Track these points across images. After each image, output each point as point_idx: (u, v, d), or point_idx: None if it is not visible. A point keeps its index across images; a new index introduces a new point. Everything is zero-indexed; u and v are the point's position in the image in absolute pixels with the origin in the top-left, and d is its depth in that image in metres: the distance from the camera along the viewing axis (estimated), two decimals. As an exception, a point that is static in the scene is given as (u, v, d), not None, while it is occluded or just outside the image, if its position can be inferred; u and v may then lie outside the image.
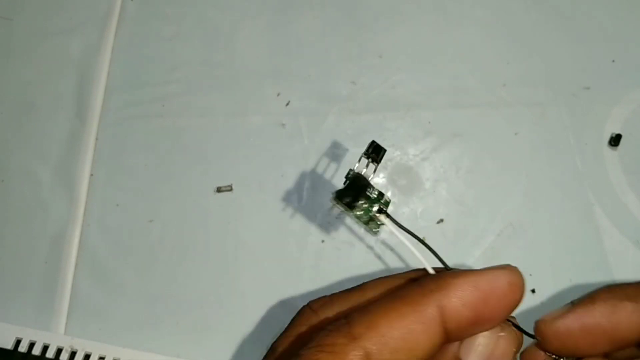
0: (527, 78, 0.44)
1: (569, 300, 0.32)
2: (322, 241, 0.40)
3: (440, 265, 0.21)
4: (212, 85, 0.45)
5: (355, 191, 0.24)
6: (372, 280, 0.21)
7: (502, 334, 0.19)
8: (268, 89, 0.44)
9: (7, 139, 0.44)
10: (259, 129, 0.43)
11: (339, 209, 0.24)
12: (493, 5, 0.47)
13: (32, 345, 0.36)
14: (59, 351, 0.36)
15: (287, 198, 0.41)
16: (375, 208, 0.23)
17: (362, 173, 0.25)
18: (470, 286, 0.17)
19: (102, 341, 0.37)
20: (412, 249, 0.21)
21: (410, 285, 0.18)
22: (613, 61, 0.44)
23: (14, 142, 0.44)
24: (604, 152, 0.41)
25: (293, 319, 0.20)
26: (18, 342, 0.37)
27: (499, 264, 0.19)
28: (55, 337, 0.37)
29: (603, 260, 0.38)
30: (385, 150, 0.26)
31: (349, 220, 0.40)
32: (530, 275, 0.38)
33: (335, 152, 0.42)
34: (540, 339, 0.20)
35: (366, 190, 0.24)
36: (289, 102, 0.44)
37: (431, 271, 0.20)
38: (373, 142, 0.26)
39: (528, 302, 0.37)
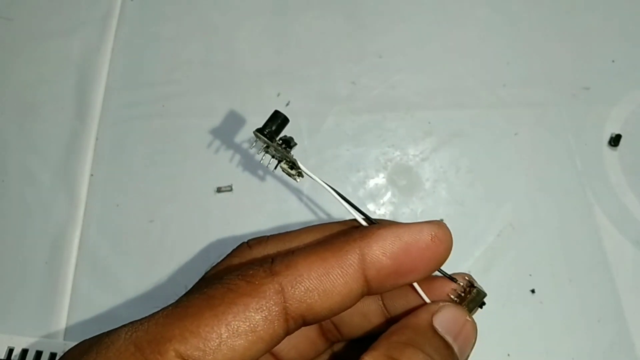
0: (527, 78, 0.44)
1: (569, 302, 0.32)
2: (322, 241, 0.40)
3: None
4: (212, 85, 0.45)
5: (276, 125, 0.24)
6: (311, 226, 0.22)
7: (469, 319, 0.20)
8: (268, 89, 0.44)
9: (7, 139, 0.44)
10: (259, 129, 0.43)
11: (260, 146, 0.24)
12: (493, 4, 0.47)
13: (25, 352, 0.36)
14: (52, 356, 0.36)
15: (287, 198, 0.41)
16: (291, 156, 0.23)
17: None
18: (392, 236, 0.18)
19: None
20: (340, 199, 0.22)
21: (337, 234, 0.20)
22: (613, 61, 0.44)
23: (14, 142, 0.44)
24: (603, 152, 0.41)
25: (230, 252, 0.22)
26: (10, 351, 0.37)
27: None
28: (50, 344, 0.37)
29: (603, 260, 0.38)
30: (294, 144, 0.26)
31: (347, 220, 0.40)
32: (530, 275, 0.38)
33: (335, 152, 0.42)
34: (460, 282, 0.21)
35: (283, 128, 0.24)
36: (289, 102, 0.44)
37: (362, 221, 0.21)
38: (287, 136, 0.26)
39: (528, 302, 0.37)
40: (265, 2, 0.48)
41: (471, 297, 0.21)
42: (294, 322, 0.17)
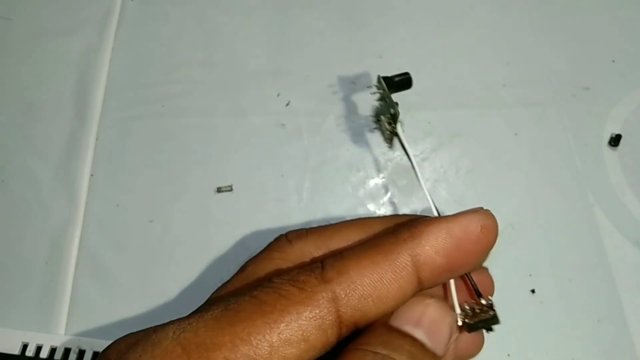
0: (527, 78, 0.44)
1: (569, 302, 0.32)
2: (322, 241, 0.40)
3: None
4: (212, 85, 0.45)
5: (400, 80, 0.24)
6: (351, 220, 0.22)
7: (428, 301, 0.19)
8: (268, 89, 0.44)
9: (7, 139, 0.44)
10: (259, 129, 0.43)
11: (379, 92, 0.24)
12: (493, 5, 0.47)
13: (39, 348, 0.37)
14: (67, 351, 0.36)
15: (287, 198, 0.41)
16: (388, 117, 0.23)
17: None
18: (443, 233, 0.18)
19: (102, 341, 0.37)
20: (419, 176, 0.21)
21: (384, 234, 0.19)
22: (613, 61, 0.44)
23: (14, 142, 0.44)
24: (603, 152, 0.41)
25: (268, 245, 0.21)
26: (25, 346, 0.37)
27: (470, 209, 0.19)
28: (60, 339, 0.37)
29: (603, 261, 0.38)
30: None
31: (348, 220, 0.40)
32: (530, 275, 0.38)
33: (335, 152, 0.42)
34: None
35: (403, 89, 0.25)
36: (289, 102, 0.44)
37: (435, 212, 0.20)
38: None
39: (528, 302, 0.37)
40: (265, 2, 0.48)
41: (484, 317, 0.20)
42: (347, 329, 0.17)
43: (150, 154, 0.43)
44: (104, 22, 0.48)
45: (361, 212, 0.40)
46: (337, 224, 0.21)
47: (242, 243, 0.40)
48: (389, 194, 0.41)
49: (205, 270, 0.39)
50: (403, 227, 0.19)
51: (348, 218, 0.40)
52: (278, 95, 0.44)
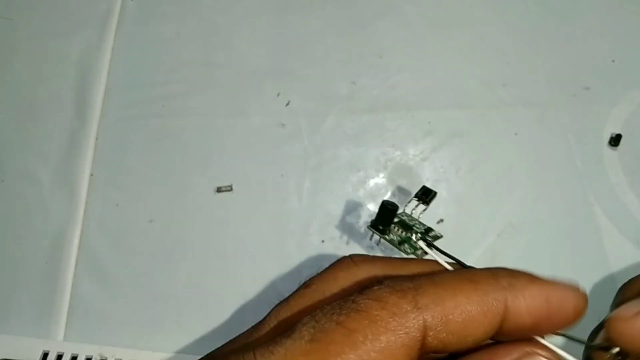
0: (527, 78, 0.44)
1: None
2: (322, 241, 0.40)
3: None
4: (212, 85, 0.45)
5: (385, 219, 0.25)
6: (413, 258, 0.21)
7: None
8: (268, 89, 0.44)
9: (7, 139, 0.44)
10: (259, 129, 0.43)
11: (376, 235, 0.25)
12: (493, 5, 0.47)
13: (60, 357, 0.36)
14: (74, 359, 0.36)
15: (287, 198, 0.41)
16: (415, 237, 0.25)
17: (411, 213, 0.28)
18: (543, 297, 0.17)
19: (102, 341, 0.37)
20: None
21: (483, 272, 0.18)
22: (613, 61, 0.44)
23: (14, 142, 0.44)
24: (603, 152, 0.41)
25: (332, 264, 0.20)
26: (45, 355, 0.36)
27: (567, 280, 0.19)
28: (79, 347, 0.37)
29: (603, 260, 0.38)
30: (435, 193, 0.29)
31: (348, 220, 0.40)
32: (530, 275, 0.38)
33: (335, 152, 0.42)
34: (613, 337, 0.19)
35: (394, 217, 0.26)
36: (289, 102, 0.44)
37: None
38: (423, 186, 0.29)
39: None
40: (265, 2, 0.48)
41: None
42: (425, 355, 0.17)
43: (150, 154, 0.43)
44: (104, 22, 0.48)
45: (361, 212, 0.40)
46: (401, 258, 0.21)
47: (242, 243, 0.40)
48: (389, 194, 0.41)
49: (205, 270, 0.39)
50: (503, 272, 0.18)
51: (348, 218, 0.40)
52: (278, 95, 0.44)
